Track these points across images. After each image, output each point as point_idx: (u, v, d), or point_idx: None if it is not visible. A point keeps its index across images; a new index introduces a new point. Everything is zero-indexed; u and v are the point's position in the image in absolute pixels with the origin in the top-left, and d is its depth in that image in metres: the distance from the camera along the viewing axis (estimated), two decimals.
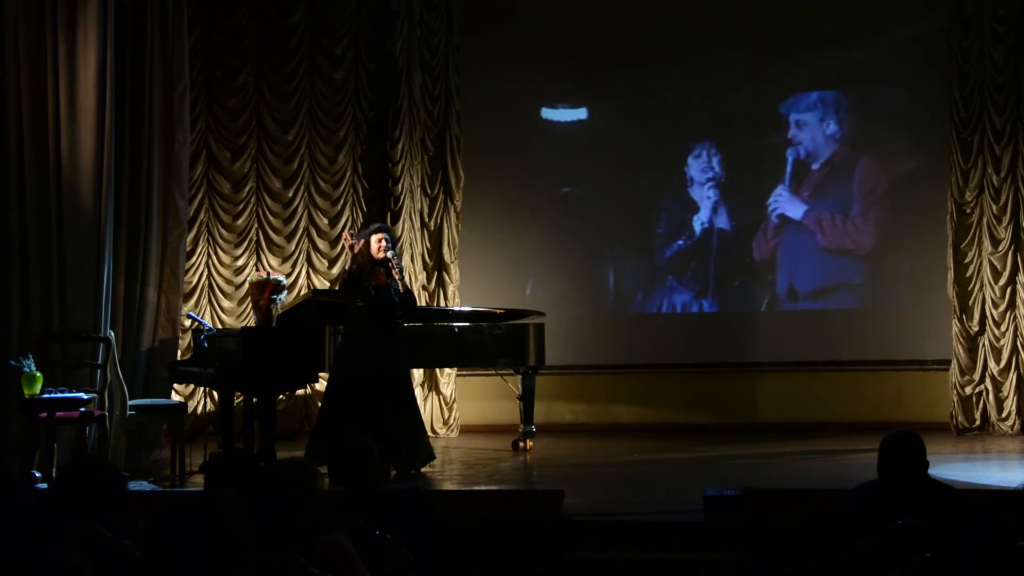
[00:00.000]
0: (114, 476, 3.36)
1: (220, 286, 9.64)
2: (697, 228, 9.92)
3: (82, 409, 6.81)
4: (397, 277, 7.00)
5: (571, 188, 10.08)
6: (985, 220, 9.10)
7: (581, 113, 10.20)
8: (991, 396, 9.05)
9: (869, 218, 9.74)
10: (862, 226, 9.73)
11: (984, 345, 9.10)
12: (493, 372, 8.87)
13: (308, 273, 9.59)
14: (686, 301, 9.97)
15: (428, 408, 9.51)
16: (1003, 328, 9.06)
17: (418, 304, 8.04)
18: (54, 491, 3.31)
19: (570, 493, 5.90)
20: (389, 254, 7.01)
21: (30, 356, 6.76)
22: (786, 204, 9.80)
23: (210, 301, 9.62)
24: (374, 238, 7.08)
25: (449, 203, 9.65)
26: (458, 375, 9.64)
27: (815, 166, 9.79)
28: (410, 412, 7.13)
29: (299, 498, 3.00)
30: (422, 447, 7.15)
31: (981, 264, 9.12)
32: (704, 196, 9.91)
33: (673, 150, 9.93)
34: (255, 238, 9.68)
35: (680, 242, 9.95)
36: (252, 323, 8.24)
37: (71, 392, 6.85)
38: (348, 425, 6.70)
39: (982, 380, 9.09)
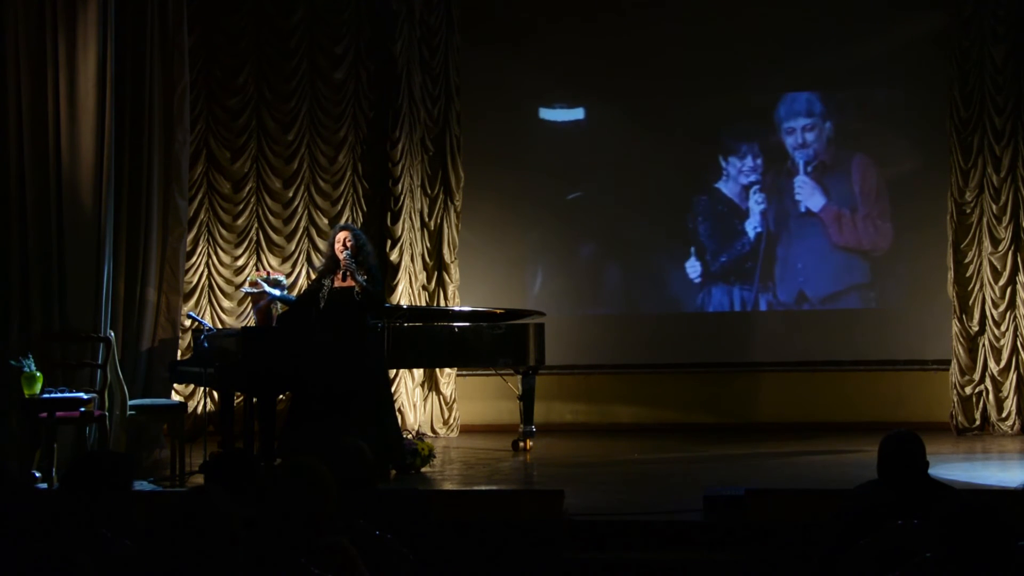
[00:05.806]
0: (124, 479, 3.36)
1: (220, 286, 9.64)
2: (697, 229, 9.91)
3: (82, 409, 6.80)
4: (353, 282, 6.91)
5: (571, 188, 10.07)
6: (985, 220, 9.09)
7: (581, 113, 10.20)
8: (991, 396, 9.05)
9: (869, 218, 9.74)
10: (862, 227, 9.73)
11: (984, 345, 9.10)
12: (493, 372, 8.87)
13: (308, 273, 9.58)
14: (686, 301, 9.97)
15: (428, 408, 9.51)
16: (1003, 328, 9.05)
17: (384, 305, 7.92)
18: (63, 488, 3.30)
19: (570, 493, 5.91)
20: (344, 255, 6.92)
21: (30, 356, 6.75)
22: (791, 207, 9.80)
23: (210, 301, 9.62)
24: (336, 237, 7.02)
25: (449, 203, 9.65)
26: (458, 375, 9.64)
27: (814, 167, 9.79)
28: (385, 413, 7.10)
29: (319, 503, 3.01)
30: (402, 447, 7.13)
31: (981, 264, 9.12)
32: (704, 197, 9.91)
33: (673, 150, 9.91)
34: (255, 238, 9.68)
35: (680, 242, 9.95)
36: (252, 323, 8.23)
37: (71, 392, 6.83)
38: (318, 429, 6.68)
39: (982, 380, 9.09)
